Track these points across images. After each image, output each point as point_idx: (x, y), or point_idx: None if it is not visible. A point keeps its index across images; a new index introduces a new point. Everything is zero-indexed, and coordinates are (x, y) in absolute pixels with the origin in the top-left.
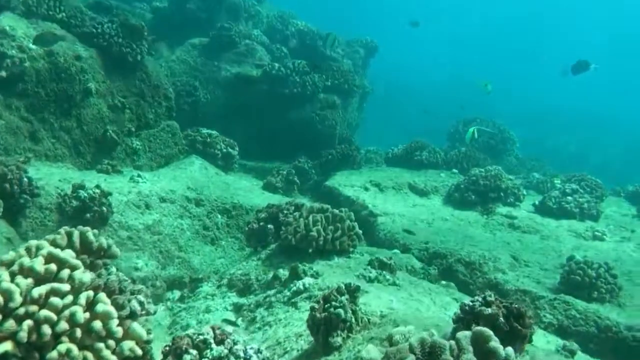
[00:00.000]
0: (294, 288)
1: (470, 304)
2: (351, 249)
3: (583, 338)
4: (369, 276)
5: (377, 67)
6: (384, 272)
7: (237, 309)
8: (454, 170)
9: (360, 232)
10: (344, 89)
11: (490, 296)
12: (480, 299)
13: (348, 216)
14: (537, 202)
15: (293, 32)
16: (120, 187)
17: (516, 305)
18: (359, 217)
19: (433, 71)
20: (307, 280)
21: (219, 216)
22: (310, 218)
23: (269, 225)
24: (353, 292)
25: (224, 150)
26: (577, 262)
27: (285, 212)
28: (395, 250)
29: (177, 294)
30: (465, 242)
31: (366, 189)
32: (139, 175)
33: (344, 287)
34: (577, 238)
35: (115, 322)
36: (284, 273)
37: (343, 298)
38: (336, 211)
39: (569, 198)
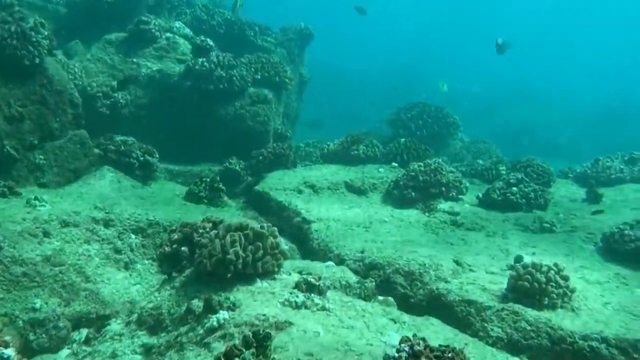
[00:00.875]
0: (208, 324)
1: (396, 355)
2: (276, 269)
3: (536, 352)
4: (296, 301)
5: (321, 54)
6: (312, 294)
7: (147, 351)
8: (394, 164)
9: (287, 247)
10: (275, 81)
11: (418, 344)
12: (407, 349)
13: (271, 232)
14: (480, 195)
15: (220, 22)
16: (13, 215)
17: (449, 355)
18: (292, 225)
19: (378, 57)
20: (222, 314)
21: (133, 236)
22: (228, 238)
23: (182, 248)
24: (262, 340)
25: (141, 158)
26: (524, 266)
27: (200, 231)
28: (330, 263)
29: (84, 333)
30: (405, 248)
31: (300, 192)
32: (36, 198)
33: (251, 336)
34: (524, 232)
35: None
36: (198, 305)
37: (248, 353)
38: (257, 227)
39: (514, 189)
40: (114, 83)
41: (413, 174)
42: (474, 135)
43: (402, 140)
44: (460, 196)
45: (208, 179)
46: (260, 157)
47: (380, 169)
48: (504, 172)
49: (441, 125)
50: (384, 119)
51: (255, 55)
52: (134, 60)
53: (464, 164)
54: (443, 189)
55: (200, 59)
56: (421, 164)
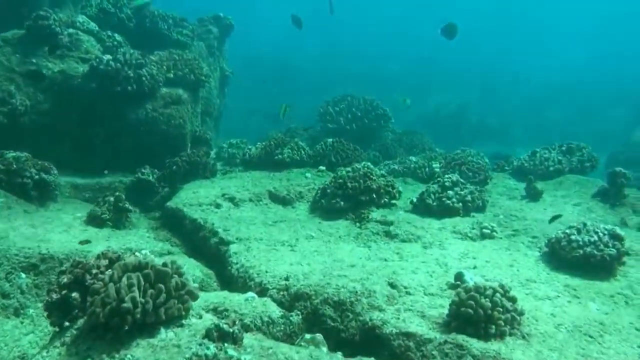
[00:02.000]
0: None
1: None
2: (184, 313)
3: None
4: (206, 355)
5: (253, 45)
6: (225, 344)
7: None
8: (321, 168)
9: (196, 285)
10: (191, 79)
11: None
12: None
13: (175, 270)
14: (415, 200)
15: (129, 15)
16: None
17: None
18: (208, 247)
19: (307, 46)
20: None
21: (23, 275)
22: (125, 280)
23: (73, 294)
24: None
25: (36, 176)
26: (467, 290)
27: (94, 271)
28: (250, 294)
29: None
30: (334, 270)
31: (218, 206)
32: None
33: None
34: (463, 240)
35: None
36: None
37: None
38: (159, 265)
39: (450, 192)
40: (12, 87)
41: (341, 181)
42: (406, 122)
43: (330, 140)
44: (393, 201)
45: (112, 198)
46: (174, 167)
47: (307, 174)
48: (437, 169)
49: (371, 118)
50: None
51: (167, 51)
52: (33, 60)
53: (397, 161)
54: (374, 195)
55: (106, 57)
56: (349, 169)
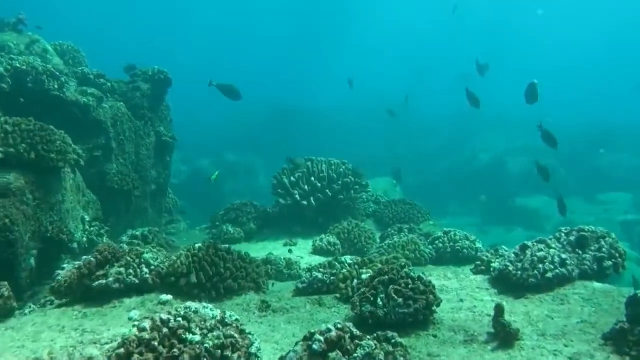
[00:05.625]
0: None
1: None
2: None
3: None
4: None
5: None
6: None
7: None
8: (163, 298)
9: None
10: (30, 159)
11: None
12: None
13: None
14: None
15: (2, 74)
16: None
17: None
18: None
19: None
20: None
21: None
22: None
23: None
24: None
25: None
26: None
27: None
28: None
29: None
30: None
31: None
32: None
33: None
34: None
35: None
36: None
37: None
38: None
39: None
40: None
41: (122, 351)
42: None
43: (197, 246)
44: None
45: None
46: None
47: (133, 313)
48: (361, 279)
49: (335, 189)
50: None
51: None
52: None
53: (327, 263)
54: None
55: None
56: (149, 321)
